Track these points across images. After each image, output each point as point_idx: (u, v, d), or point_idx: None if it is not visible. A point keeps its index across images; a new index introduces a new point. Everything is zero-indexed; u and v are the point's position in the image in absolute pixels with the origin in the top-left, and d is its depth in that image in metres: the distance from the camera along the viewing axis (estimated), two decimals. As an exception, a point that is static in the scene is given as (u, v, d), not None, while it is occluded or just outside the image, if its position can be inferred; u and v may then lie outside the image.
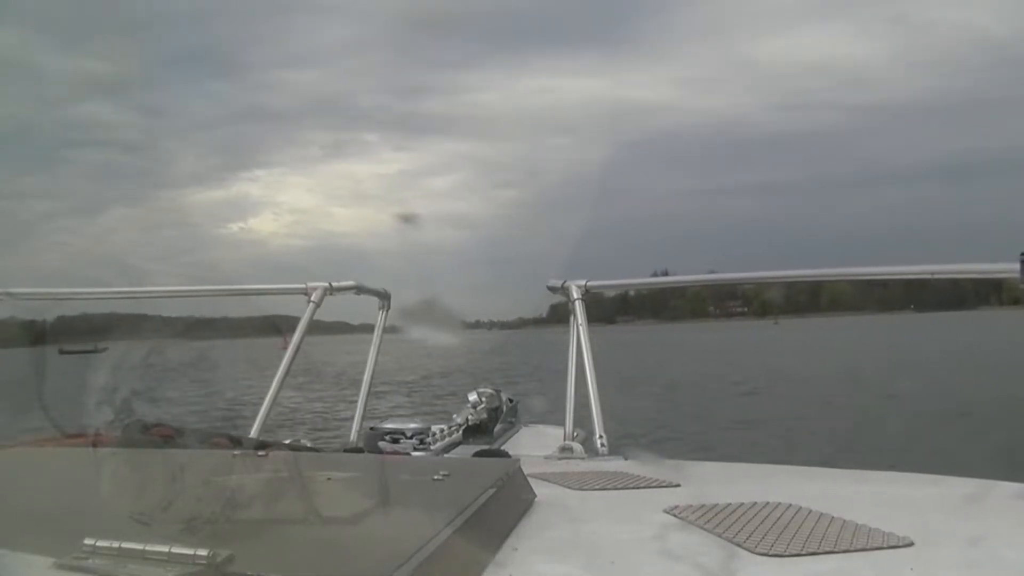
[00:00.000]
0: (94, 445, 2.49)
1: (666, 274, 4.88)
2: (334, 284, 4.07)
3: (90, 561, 1.16)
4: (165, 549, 1.15)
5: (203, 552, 1.14)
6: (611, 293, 5.31)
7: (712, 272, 4.71)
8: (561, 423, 3.72)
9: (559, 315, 3.83)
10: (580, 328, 3.75)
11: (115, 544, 1.18)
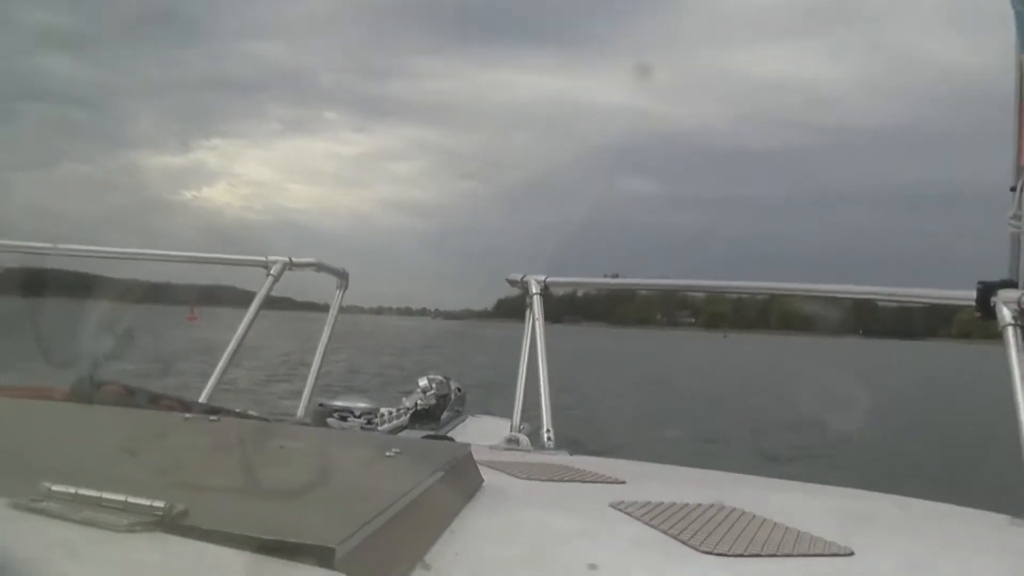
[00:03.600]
0: (43, 399, 2.49)
1: (616, 278, 4.87)
2: (294, 259, 4.06)
3: (46, 503, 1.16)
4: (122, 498, 1.16)
5: (159, 503, 1.15)
6: (567, 291, 5.33)
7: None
8: (508, 416, 3.73)
9: (504, 310, 3.84)
10: (536, 323, 3.76)
11: (71, 490, 1.18)
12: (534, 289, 3.82)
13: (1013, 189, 2.94)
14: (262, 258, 4.04)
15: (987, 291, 2.78)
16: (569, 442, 3.50)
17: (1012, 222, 2.92)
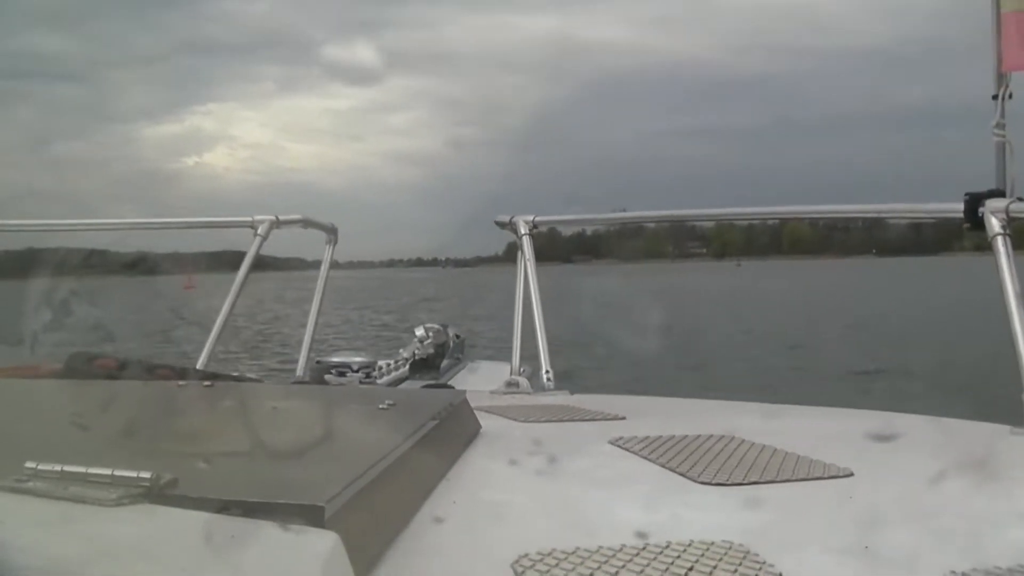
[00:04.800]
0: (37, 376, 2.49)
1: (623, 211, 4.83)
2: (281, 217, 4.04)
3: (32, 483, 1.15)
4: (108, 472, 1.16)
5: (146, 475, 1.14)
6: (575, 230, 5.32)
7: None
8: (508, 360, 3.73)
9: (515, 253, 3.80)
10: (528, 264, 3.74)
11: (57, 467, 1.18)
12: (523, 229, 3.80)
13: (995, 97, 2.91)
14: (248, 218, 4.01)
15: (974, 202, 2.77)
16: (570, 381, 3.50)
17: (996, 131, 2.90)
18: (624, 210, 4.58)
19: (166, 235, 4.49)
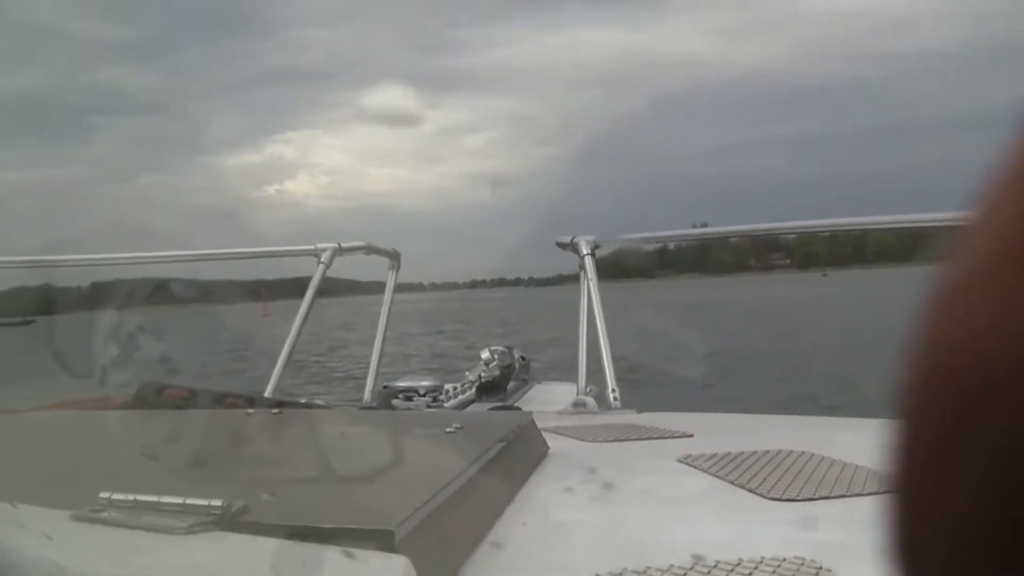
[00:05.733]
0: (108, 407, 2.52)
1: (705, 227, 4.79)
2: (343, 245, 4.07)
3: (106, 513, 1.17)
4: (180, 500, 1.17)
5: (217, 503, 1.15)
6: (656, 246, 5.29)
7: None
8: (574, 380, 3.72)
9: (600, 270, 3.80)
10: (591, 283, 3.74)
11: (130, 496, 1.19)
12: (584, 250, 3.80)
13: None
14: (311, 246, 4.05)
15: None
16: (637, 400, 3.48)
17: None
18: (705, 225, 4.56)
19: (240, 265, 4.53)
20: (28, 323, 4.82)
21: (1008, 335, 0.27)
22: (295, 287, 4.36)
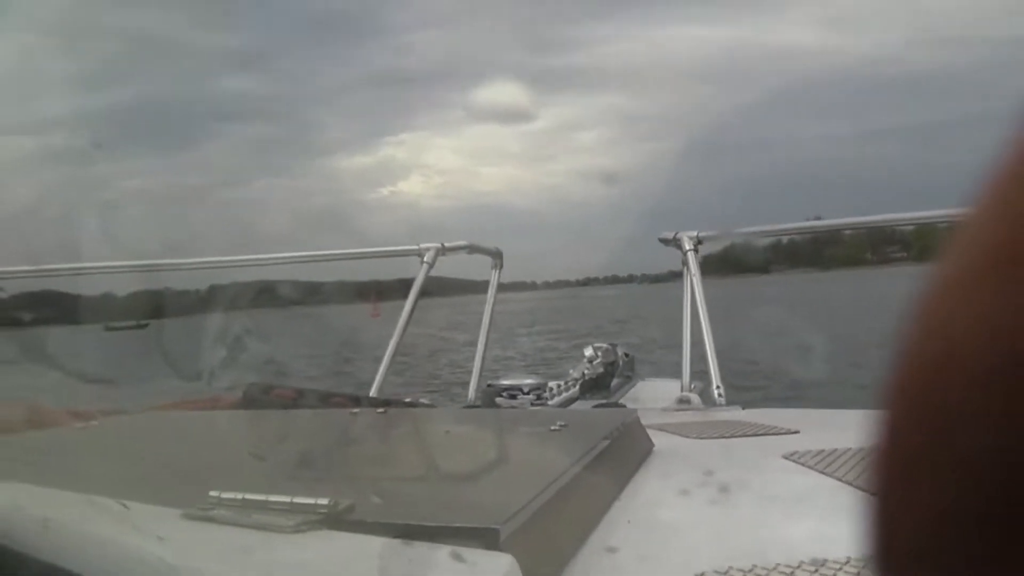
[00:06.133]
0: (217, 408, 2.56)
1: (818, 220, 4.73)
2: (446, 244, 4.09)
3: (215, 511, 1.19)
4: (287, 499, 1.18)
5: (324, 501, 1.16)
6: (771, 240, 5.23)
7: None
8: (678, 376, 3.70)
9: (709, 267, 3.78)
10: (694, 279, 3.72)
11: (239, 495, 1.21)
12: (687, 245, 3.78)
13: None
14: (415, 247, 4.08)
15: None
16: (741, 396, 3.45)
17: None
18: (818, 218, 4.50)
19: (351, 265, 4.57)
20: (142, 327, 4.91)
21: (987, 333, 0.26)
22: (406, 287, 4.41)
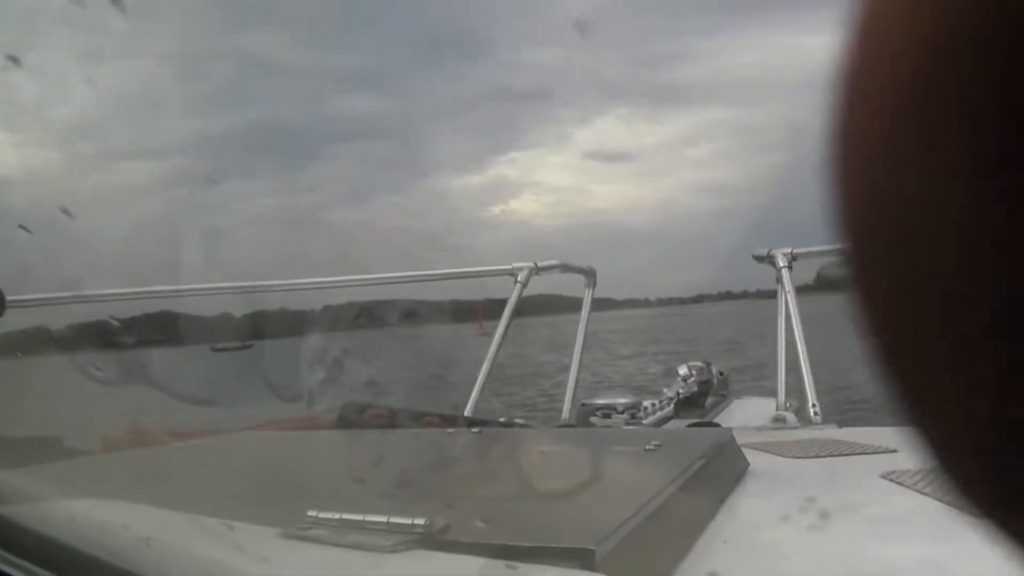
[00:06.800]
0: (314, 427, 2.59)
1: None
2: (539, 264, 4.10)
3: (313, 531, 1.20)
4: (384, 519, 1.19)
5: (420, 521, 1.17)
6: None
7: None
8: (774, 395, 3.67)
9: (825, 283, 3.74)
10: (788, 296, 3.68)
11: (336, 515, 1.22)
12: (781, 262, 3.75)
13: None
14: (508, 266, 4.08)
15: None
16: (838, 415, 3.41)
17: None
18: None
19: (456, 285, 4.60)
20: (247, 347, 4.99)
21: None
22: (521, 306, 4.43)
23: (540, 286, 4.31)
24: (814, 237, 3.87)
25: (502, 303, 4.09)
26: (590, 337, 4.40)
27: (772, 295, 3.93)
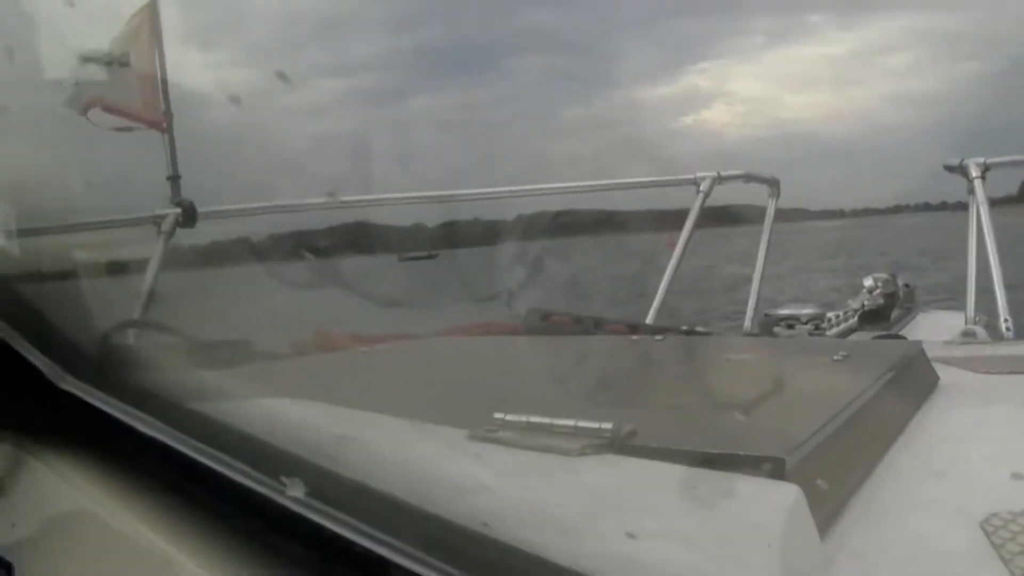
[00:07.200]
0: (499, 333, 2.62)
1: None
2: (722, 173, 4.05)
3: (501, 433, 1.22)
4: (571, 423, 1.20)
5: (607, 425, 1.17)
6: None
7: None
8: (962, 308, 3.58)
9: None
10: (981, 207, 3.58)
11: (523, 418, 1.23)
12: (974, 172, 3.64)
13: None
14: (691, 176, 4.05)
15: None
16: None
17: None
18: None
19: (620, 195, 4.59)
20: (432, 257, 5.09)
21: None
22: (718, 215, 4.40)
23: (736, 195, 4.28)
24: (1010, 146, 3.75)
25: (715, 211, 4.08)
26: (778, 248, 4.36)
27: (963, 207, 3.82)
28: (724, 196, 4.16)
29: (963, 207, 3.70)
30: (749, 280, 4.10)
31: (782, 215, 4.36)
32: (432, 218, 4.70)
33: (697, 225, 4.02)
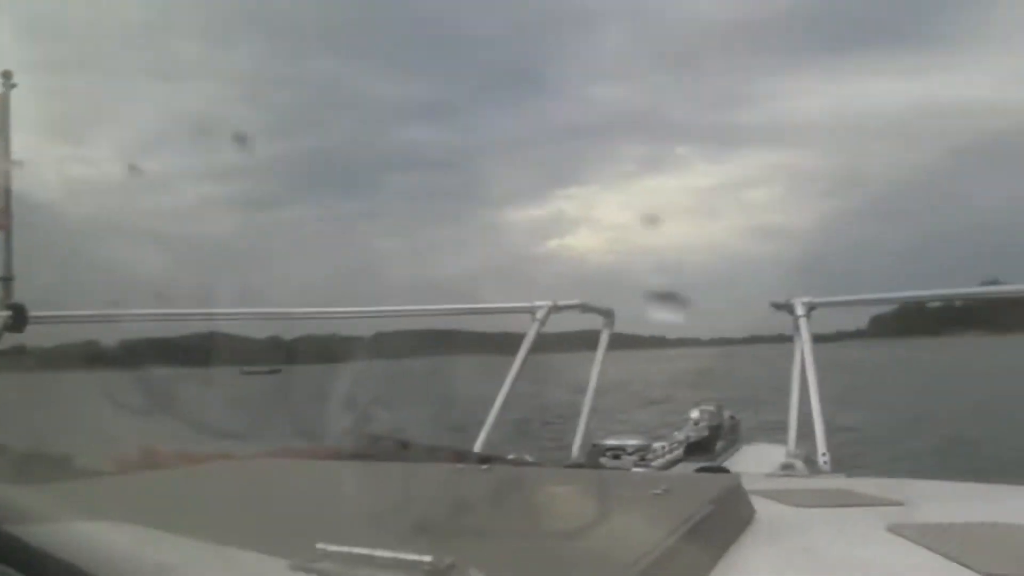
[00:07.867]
0: (325, 457, 2.61)
1: (995, 283, 4.66)
2: (559, 303, 4.11)
3: (322, 564, 1.22)
4: (391, 555, 1.20)
5: (428, 558, 1.19)
6: (940, 304, 5.22)
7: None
8: (784, 442, 3.68)
9: (880, 328, 3.79)
10: (804, 345, 3.71)
11: (345, 549, 1.24)
12: (799, 311, 3.78)
13: None
14: (528, 304, 4.10)
15: None
16: (847, 464, 3.42)
17: None
18: (995, 281, 4.47)
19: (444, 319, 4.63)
20: (276, 372, 5.03)
21: None
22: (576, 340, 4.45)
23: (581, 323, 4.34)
24: (866, 284, 3.90)
25: (555, 337, 4.13)
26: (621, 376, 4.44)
27: (823, 340, 3.95)
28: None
29: (817, 340, 3.82)
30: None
31: (640, 342, 4.45)
32: (289, 332, 4.67)
33: (563, 349, 4.08)
